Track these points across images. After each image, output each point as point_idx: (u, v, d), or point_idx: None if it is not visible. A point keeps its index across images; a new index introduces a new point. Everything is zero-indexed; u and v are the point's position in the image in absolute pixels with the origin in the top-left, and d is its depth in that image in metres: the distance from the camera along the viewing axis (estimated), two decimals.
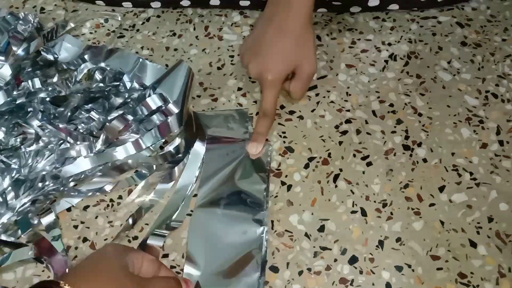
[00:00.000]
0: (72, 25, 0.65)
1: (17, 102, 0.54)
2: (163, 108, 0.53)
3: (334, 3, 0.63)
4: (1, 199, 0.49)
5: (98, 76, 0.57)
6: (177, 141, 0.53)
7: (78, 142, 0.52)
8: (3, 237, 0.48)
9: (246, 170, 0.52)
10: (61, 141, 0.52)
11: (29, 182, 0.50)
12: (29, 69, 0.57)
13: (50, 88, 0.55)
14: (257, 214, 0.48)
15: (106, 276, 0.37)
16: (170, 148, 0.52)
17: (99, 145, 0.52)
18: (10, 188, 0.50)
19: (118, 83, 0.56)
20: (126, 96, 0.55)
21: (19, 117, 0.53)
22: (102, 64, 0.58)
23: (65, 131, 0.52)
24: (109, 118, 0.53)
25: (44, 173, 0.50)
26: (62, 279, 0.36)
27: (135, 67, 0.57)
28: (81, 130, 0.53)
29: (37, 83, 0.55)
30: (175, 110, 0.53)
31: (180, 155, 0.53)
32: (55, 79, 0.56)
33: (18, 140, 0.52)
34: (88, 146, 0.52)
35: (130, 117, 0.53)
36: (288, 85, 0.54)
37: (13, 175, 0.50)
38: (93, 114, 0.53)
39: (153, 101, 0.53)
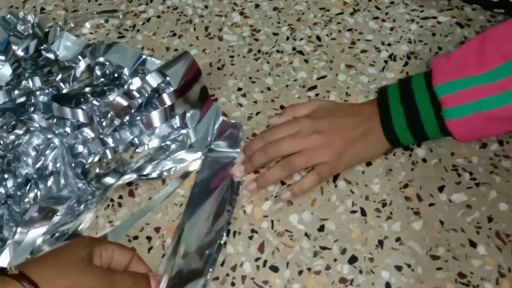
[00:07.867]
0: (72, 25, 0.66)
1: (17, 101, 0.54)
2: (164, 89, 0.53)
3: None
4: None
5: (97, 71, 0.57)
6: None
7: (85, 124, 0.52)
8: None
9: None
10: (67, 133, 0.52)
11: (38, 180, 0.50)
12: (29, 69, 0.57)
13: (50, 86, 0.55)
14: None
15: (63, 266, 0.37)
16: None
17: (105, 125, 0.52)
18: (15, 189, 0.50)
19: (117, 75, 0.57)
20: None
21: (21, 115, 0.53)
22: (101, 59, 0.57)
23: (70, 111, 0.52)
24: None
25: (52, 169, 0.51)
26: (20, 267, 0.36)
27: (135, 62, 0.57)
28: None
29: (38, 82, 0.55)
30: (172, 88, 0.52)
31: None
32: (55, 78, 0.56)
33: (22, 136, 0.52)
34: (96, 126, 0.51)
35: (135, 94, 0.53)
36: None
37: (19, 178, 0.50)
38: (93, 101, 0.54)
39: (153, 78, 0.52)
